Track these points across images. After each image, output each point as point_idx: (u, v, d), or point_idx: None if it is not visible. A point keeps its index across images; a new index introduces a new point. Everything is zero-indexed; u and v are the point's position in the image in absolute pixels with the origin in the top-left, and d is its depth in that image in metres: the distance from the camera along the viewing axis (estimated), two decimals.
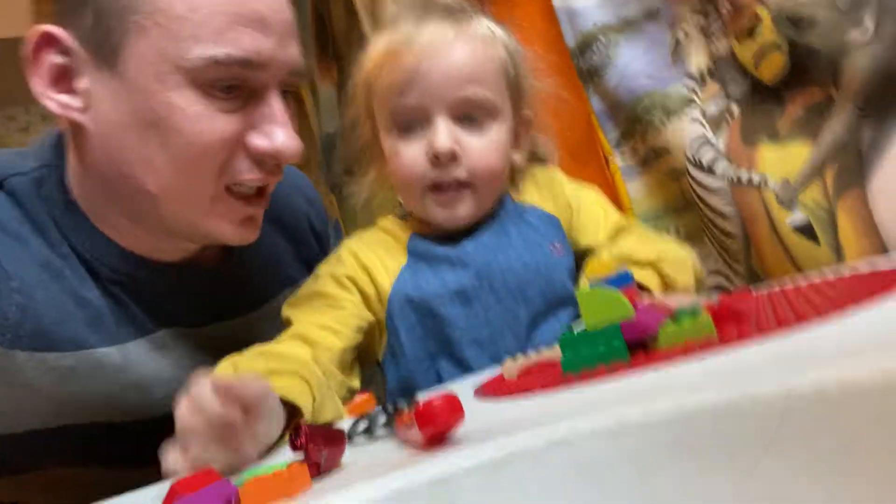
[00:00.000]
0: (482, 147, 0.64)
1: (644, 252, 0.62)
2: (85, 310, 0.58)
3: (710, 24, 0.94)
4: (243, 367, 0.53)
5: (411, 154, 0.63)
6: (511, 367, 0.42)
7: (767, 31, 0.85)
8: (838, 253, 0.82)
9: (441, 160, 0.62)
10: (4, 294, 0.54)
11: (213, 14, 0.51)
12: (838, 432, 0.19)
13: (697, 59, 0.97)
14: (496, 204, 0.70)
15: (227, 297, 0.68)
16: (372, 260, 0.67)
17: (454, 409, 0.27)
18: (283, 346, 0.59)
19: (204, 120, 0.52)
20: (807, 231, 0.86)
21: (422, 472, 0.25)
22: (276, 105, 0.55)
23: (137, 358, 0.61)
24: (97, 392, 0.59)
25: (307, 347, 0.59)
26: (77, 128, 0.56)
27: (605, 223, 0.70)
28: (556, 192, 0.72)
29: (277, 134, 0.54)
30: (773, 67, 0.86)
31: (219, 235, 0.58)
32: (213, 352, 0.63)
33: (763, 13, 0.84)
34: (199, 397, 0.39)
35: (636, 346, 0.34)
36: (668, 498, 0.22)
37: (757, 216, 0.92)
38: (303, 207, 0.80)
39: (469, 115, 0.64)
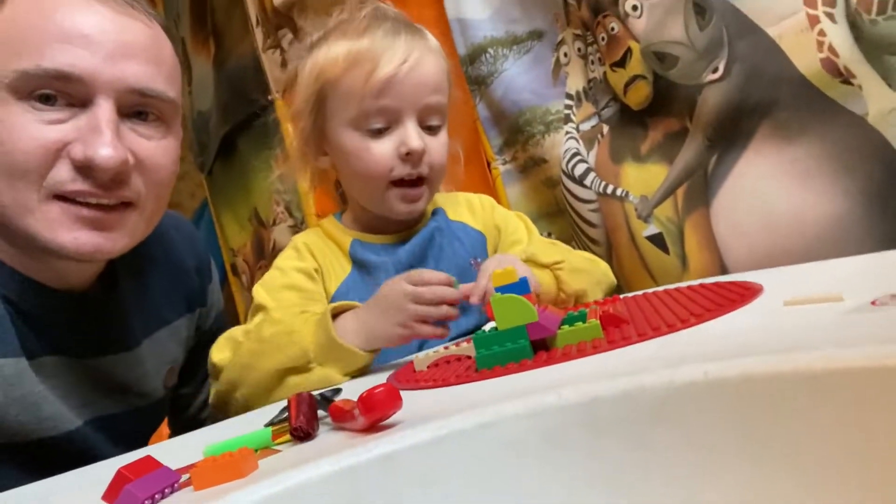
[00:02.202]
0: (438, 146, 0.74)
1: (547, 256, 0.71)
2: None
3: (588, 50, 1.03)
4: (277, 315, 0.65)
5: (382, 150, 0.70)
6: (422, 360, 0.47)
7: (636, 63, 0.95)
8: (684, 262, 0.95)
9: (413, 157, 0.70)
10: None
11: (34, 33, 0.55)
12: (707, 413, 0.25)
13: (575, 81, 1.07)
14: (432, 217, 0.79)
15: (108, 332, 0.68)
16: (323, 261, 0.74)
17: (394, 397, 0.31)
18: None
19: (22, 128, 0.54)
20: (659, 242, 0.98)
21: (371, 450, 0.28)
22: (101, 116, 0.56)
23: (29, 376, 0.60)
24: None
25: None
26: None
27: (528, 243, 0.80)
28: (486, 216, 0.83)
29: (96, 143, 0.55)
30: (639, 95, 0.96)
31: (56, 244, 0.57)
32: (91, 385, 0.65)
33: (634, 47, 0.94)
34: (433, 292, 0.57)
35: (538, 345, 0.40)
36: (578, 466, 0.27)
37: (619, 226, 1.03)
38: (189, 258, 0.81)
39: (430, 118, 0.73)
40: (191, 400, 0.87)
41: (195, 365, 0.84)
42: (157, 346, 0.75)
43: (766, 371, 0.23)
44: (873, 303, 0.30)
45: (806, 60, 0.76)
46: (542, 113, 1.11)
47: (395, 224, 0.78)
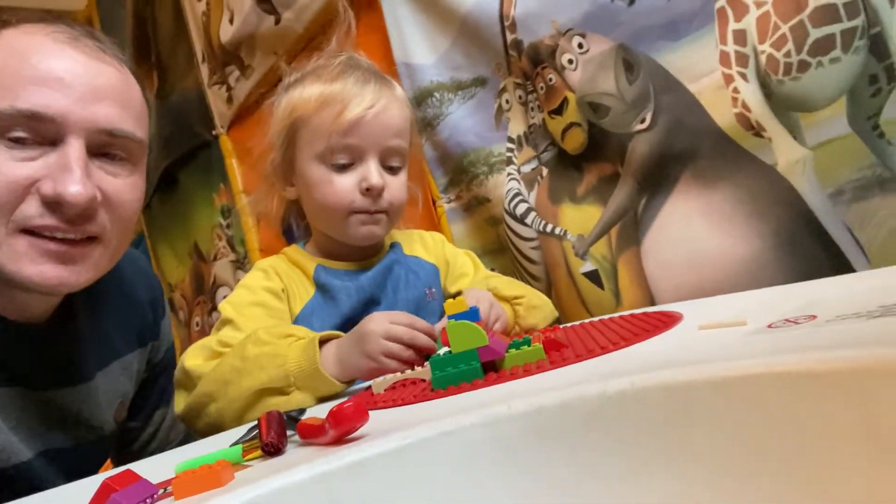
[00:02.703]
0: (398, 185, 0.80)
1: (509, 290, 0.80)
2: None
3: (528, 98, 1.10)
4: (264, 336, 0.66)
5: (344, 184, 0.76)
6: (380, 383, 0.50)
7: (572, 112, 1.02)
8: (617, 297, 1.01)
9: (372, 192, 0.77)
10: None
11: (10, 76, 0.57)
12: (634, 419, 0.30)
13: (516, 126, 1.13)
14: (390, 250, 0.85)
15: (63, 365, 0.69)
16: (288, 283, 0.78)
17: (362, 411, 0.35)
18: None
19: None
20: (595, 278, 1.04)
21: (342, 457, 0.32)
22: (71, 154, 0.58)
23: None
24: None
25: None
26: None
27: (473, 276, 0.89)
28: (438, 250, 0.91)
29: (65, 181, 0.57)
30: (575, 141, 1.03)
31: (21, 277, 0.58)
32: (43, 417, 0.66)
33: (570, 96, 1.01)
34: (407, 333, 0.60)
35: (488, 367, 0.44)
36: (527, 469, 0.31)
37: (558, 263, 1.09)
38: (143, 292, 0.83)
39: (391, 160, 0.79)
40: (137, 434, 0.87)
41: (144, 399, 0.85)
42: (110, 379, 0.76)
43: (680, 380, 0.28)
44: (769, 326, 0.35)
45: (722, 114, 0.85)
46: (485, 155, 1.17)
47: (356, 252, 0.83)
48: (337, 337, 0.66)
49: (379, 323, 0.62)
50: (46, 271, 0.58)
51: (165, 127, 2.09)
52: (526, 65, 1.06)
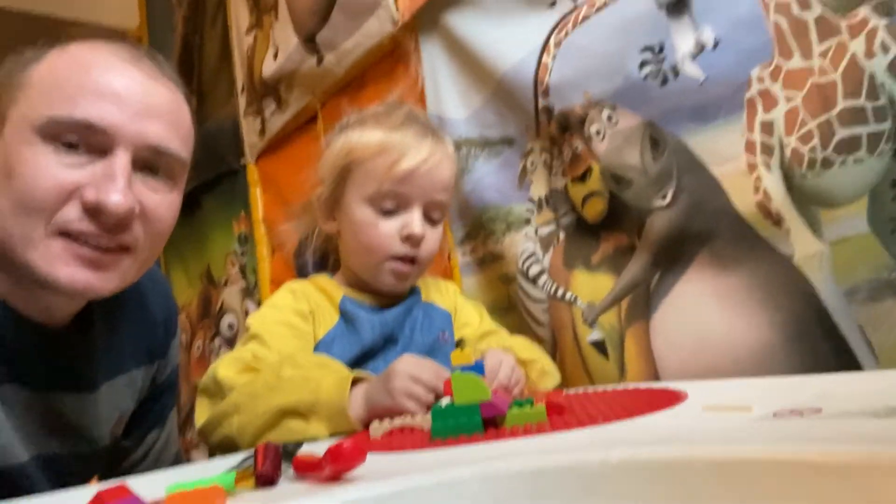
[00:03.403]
0: (435, 237, 0.84)
1: (523, 353, 0.82)
2: None
3: (553, 162, 1.12)
4: (302, 361, 0.69)
5: (387, 228, 0.80)
6: (377, 428, 0.50)
7: (595, 181, 1.03)
8: (622, 369, 1.00)
9: (412, 240, 0.81)
10: None
11: (68, 86, 0.60)
12: (635, 491, 0.30)
13: (538, 188, 1.15)
14: (411, 294, 0.88)
15: (74, 371, 0.70)
16: (315, 308, 0.81)
17: (361, 451, 0.35)
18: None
19: (44, 168, 0.58)
20: (601, 348, 1.03)
21: (335, 496, 0.32)
22: (117, 165, 0.60)
23: None
24: None
25: None
26: None
27: (478, 325, 0.92)
28: (449, 297, 0.94)
29: (108, 189, 0.59)
30: (595, 210, 1.04)
31: (52, 278, 0.59)
32: (45, 421, 0.66)
33: (594, 166, 1.02)
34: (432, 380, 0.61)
35: (489, 423, 0.44)
36: None
37: (565, 328, 1.08)
38: (160, 311, 0.84)
39: (433, 212, 0.84)
40: (128, 453, 0.86)
41: (140, 418, 0.84)
42: (114, 392, 0.75)
43: (682, 457, 0.28)
44: (774, 414, 0.35)
45: (743, 200, 0.85)
46: (504, 213, 1.18)
47: (382, 292, 0.86)
48: (367, 379, 0.68)
49: (407, 364, 0.63)
50: (76, 275, 0.60)
51: (196, 151, 2.13)
52: (554, 130, 1.08)
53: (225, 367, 0.72)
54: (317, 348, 0.79)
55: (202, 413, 0.73)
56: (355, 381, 0.66)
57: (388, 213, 0.81)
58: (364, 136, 0.83)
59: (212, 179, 2.07)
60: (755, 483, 0.26)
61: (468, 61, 1.20)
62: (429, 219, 0.84)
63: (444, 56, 1.25)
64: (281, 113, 1.75)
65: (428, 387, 0.61)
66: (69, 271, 0.59)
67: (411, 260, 0.82)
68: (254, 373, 0.71)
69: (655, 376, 0.95)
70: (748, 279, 0.86)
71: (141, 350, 0.80)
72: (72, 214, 0.59)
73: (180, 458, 0.93)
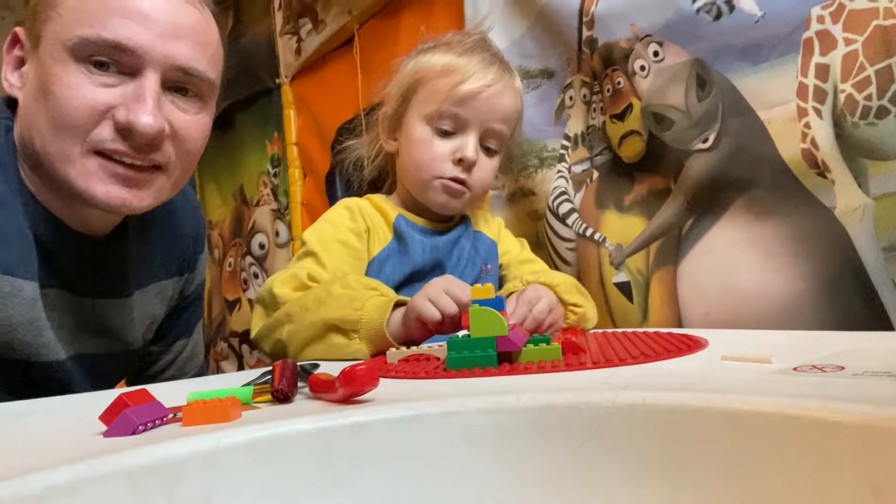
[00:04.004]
0: (488, 166, 0.86)
1: (569, 295, 0.81)
2: (21, 241, 0.62)
3: (592, 98, 1.09)
4: (352, 281, 0.72)
5: (441, 149, 0.82)
6: (394, 354, 0.51)
7: (635, 120, 1.00)
8: (645, 313, 1.00)
9: (463, 164, 0.82)
10: None
11: (99, 7, 0.61)
12: (639, 434, 0.29)
13: (576, 124, 1.12)
14: (462, 221, 0.91)
15: (109, 278, 0.74)
16: (371, 224, 0.83)
17: (373, 376, 0.35)
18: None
19: (76, 88, 0.60)
20: (625, 290, 1.03)
21: (346, 417, 0.32)
22: (146, 86, 0.62)
23: (39, 302, 0.65)
24: (3, 316, 0.62)
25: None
26: (18, 104, 0.66)
27: (518, 252, 0.97)
28: (494, 228, 0.98)
29: (138, 110, 0.61)
30: (632, 150, 1.02)
31: (89, 194, 0.62)
32: (82, 323, 0.71)
33: (635, 103, 0.99)
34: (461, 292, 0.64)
35: (503, 357, 0.44)
36: (523, 463, 0.31)
37: (591, 269, 1.08)
38: (189, 226, 0.88)
39: (490, 141, 0.85)
40: (157, 358, 0.90)
41: (170, 326, 0.89)
42: (146, 299, 0.80)
43: (691, 404, 0.28)
44: (795, 369, 0.35)
45: (789, 148, 0.82)
46: (538, 148, 1.16)
47: (435, 215, 0.89)
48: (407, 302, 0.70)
49: (444, 279, 0.67)
50: (112, 192, 0.62)
51: (231, 69, 2.11)
52: (597, 64, 1.04)
53: (280, 283, 0.76)
54: (370, 265, 0.82)
55: (258, 322, 0.77)
56: (399, 305, 0.69)
57: (444, 134, 0.83)
58: (433, 58, 0.85)
59: (246, 98, 2.06)
60: (764, 436, 0.25)
61: None
62: (484, 147, 0.85)
63: None
64: (317, 34, 1.71)
65: (454, 298, 0.64)
66: (105, 188, 0.62)
67: (461, 182, 0.84)
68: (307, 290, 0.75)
69: (679, 323, 0.94)
70: (784, 229, 0.84)
71: (171, 262, 0.84)
72: (105, 134, 0.61)
73: (205, 369, 0.98)
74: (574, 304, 0.80)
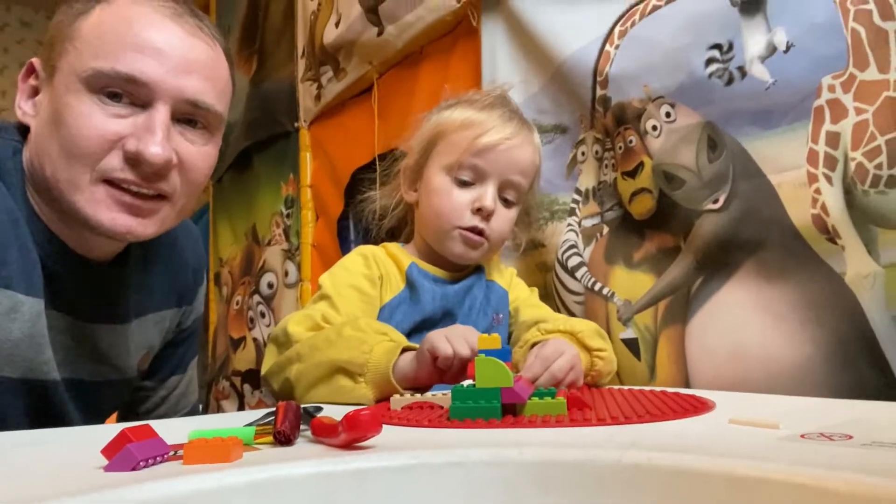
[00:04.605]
0: (506, 217, 0.88)
1: (592, 340, 0.80)
2: (24, 259, 0.64)
3: (604, 154, 1.10)
4: (363, 325, 0.73)
5: (460, 198, 0.84)
6: (398, 400, 0.50)
7: (646, 177, 1.01)
8: (652, 371, 0.99)
9: (482, 213, 0.84)
10: None
11: (114, 41, 0.64)
12: (644, 495, 0.29)
13: (587, 179, 1.13)
14: (475, 271, 0.92)
15: (109, 303, 0.75)
16: (384, 272, 0.85)
17: (376, 422, 0.35)
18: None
19: (88, 117, 0.62)
20: (633, 347, 1.02)
21: (348, 462, 0.32)
22: (157, 118, 0.64)
23: (41, 320, 0.66)
24: (4, 332, 0.63)
25: None
26: (30, 132, 0.67)
27: (526, 297, 0.98)
28: (506, 277, 0.99)
29: (148, 140, 0.63)
30: (642, 207, 1.02)
31: (95, 221, 0.64)
32: (79, 346, 0.72)
33: (647, 161, 1.00)
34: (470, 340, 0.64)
35: (507, 409, 0.44)
36: None
37: (598, 323, 1.06)
38: (191, 258, 0.89)
39: (508, 193, 0.87)
40: (150, 394, 0.90)
41: (163, 361, 0.89)
42: (143, 328, 0.81)
43: (697, 468, 0.28)
44: (802, 436, 0.34)
45: (799, 212, 0.82)
46: (549, 201, 1.17)
47: (449, 264, 0.90)
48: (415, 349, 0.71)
49: (464, 327, 0.68)
50: (118, 219, 0.64)
51: (253, 111, 2.16)
52: (609, 122, 1.06)
53: (295, 323, 0.78)
54: (381, 311, 0.83)
55: (269, 360, 0.79)
56: (407, 350, 0.69)
57: (464, 185, 0.85)
58: (454, 113, 0.88)
59: (265, 140, 2.11)
60: (767, 501, 0.25)
61: (529, 44, 1.18)
62: (503, 199, 0.87)
63: (505, 37, 1.23)
64: (337, 81, 1.75)
65: (470, 344, 0.64)
66: (111, 216, 0.64)
67: (479, 232, 0.86)
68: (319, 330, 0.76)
69: (686, 383, 0.93)
70: (794, 293, 0.83)
71: (171, 293, 0.85)
72: (114, 163, 0.63)
73: (197, 408, 0.98)
74: (598, 350, 0.80)
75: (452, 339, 0.64)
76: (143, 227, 0.66)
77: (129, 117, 0.64)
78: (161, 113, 0.64)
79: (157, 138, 0.63)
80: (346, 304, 0.81)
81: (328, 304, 0.81)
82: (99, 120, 0.62)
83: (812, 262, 0.81)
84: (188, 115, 0.68)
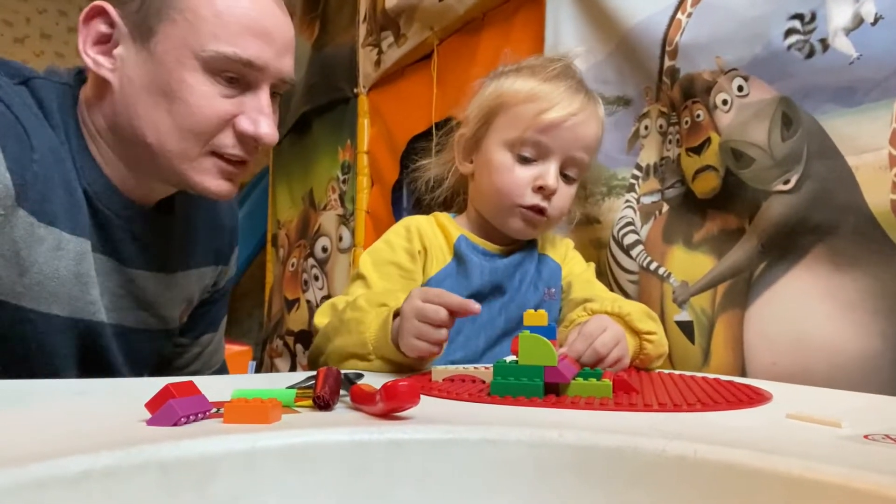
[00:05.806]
0: (567, 194, 0.85)
1: (642, 323, 0.77)
2: (70, 198, 0.66)
3: (669, 129, 1.06)
4: (362, 302, 0.71)
5: (522, 176, 0.81)
6: (439, 372, 0.50)
7: (712, 154, 0.97)
8: (706, 356, 0.96)
9: (544, 192, 0.81)
10: (27, 162, 0.62)
11: (232, 22, 0.65)
12: (687, 489, 0.28)
13: (648, 155, 1.09)
14: (529, 245, 0.89)
15: (156, 251, 0.78)
16: (429, 245, 0.84)
17: (414, 393, 0.34)
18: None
19: (207, 98, 0.65)
20: (687, 330, 0.99)
21: (384, 432, 0.32)
22: (265, 100, 0.69)
23: (88, 259, 0.69)
24: (51, 268, 0.66)
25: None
26: (102, 82, 0.68)
27: (581, 272, 0.94)
28: (561, 250, 0.96)
29: (261, 122, 0.68)
30: (706, 185, 0.98)
31: (202, 187, 0.69)
32: (124, 292, 0.75)
33: (714, 138, 0.96)
34: (427, 308, 0.60)
35: (550, 388, 0.43)
36: (558, 502, 0.30)
37: (652, 304, 1.04)
38: (227, 218, 0.92)
39: (570, 169, 0.84)
40: (183, 351, 0.93)
41: (198, 318, 0.92)
42: (186, 280, 0.83)
43: (748, 465, 0.26)
44: (866, 437, 0.32)
45: (877, 197, 0.77)
46: (608, 176, 1.13)
47: (501, 238, 0.88)
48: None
49: (411, 303, 0.63)
50: (223, 186, 0.70)
51: (314, 75, 2.18)
52: (676, 95, 1.01)
53: (319, 315, 0.79)
54: (427, 285, 0.82)
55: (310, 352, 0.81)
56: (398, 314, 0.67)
57: (525, 161, 0.82)
58: (517, 83, 0.84)
59: (324, 105, 2.12)
60: None
61: (594, 11, 1.14)
62: (564, 175, 0.84)
63: (570, 3, 1.19)
64: (398, 47, 1.74)
65: (433, 322, 0.61)
66: (218, 183, 0.70)
67: (540, 211, 0.83)
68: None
69: (742, 371, 0.90)
70: (866, 282, 0.79)
71: (210, 250, 0.88)
72: (227, 140, 0.68)
73: (225, 367, 1.03)
74: (648, 332, 0.76)
75: (425, 333, 0.61)
76: (234, 188, 0.72)
77: (237, 97, 0.67)
78: (266, 93, 0.68)
79: (270, 121, 0.68)
80: (384, 280, 0.81)
81: (362, 285, 0.81)
82: (217, 101, 0.66)
83: (887, 250, 0.77)
84: (276, 89, 0.71)
